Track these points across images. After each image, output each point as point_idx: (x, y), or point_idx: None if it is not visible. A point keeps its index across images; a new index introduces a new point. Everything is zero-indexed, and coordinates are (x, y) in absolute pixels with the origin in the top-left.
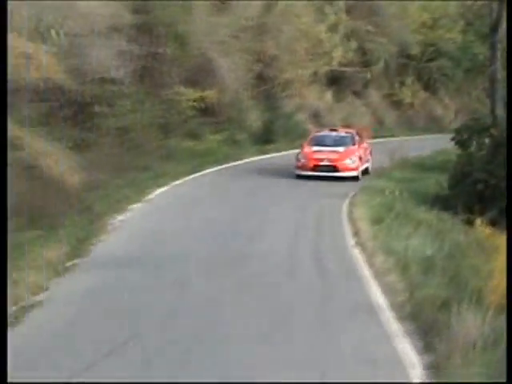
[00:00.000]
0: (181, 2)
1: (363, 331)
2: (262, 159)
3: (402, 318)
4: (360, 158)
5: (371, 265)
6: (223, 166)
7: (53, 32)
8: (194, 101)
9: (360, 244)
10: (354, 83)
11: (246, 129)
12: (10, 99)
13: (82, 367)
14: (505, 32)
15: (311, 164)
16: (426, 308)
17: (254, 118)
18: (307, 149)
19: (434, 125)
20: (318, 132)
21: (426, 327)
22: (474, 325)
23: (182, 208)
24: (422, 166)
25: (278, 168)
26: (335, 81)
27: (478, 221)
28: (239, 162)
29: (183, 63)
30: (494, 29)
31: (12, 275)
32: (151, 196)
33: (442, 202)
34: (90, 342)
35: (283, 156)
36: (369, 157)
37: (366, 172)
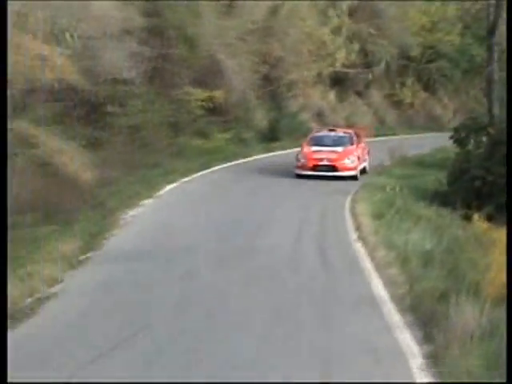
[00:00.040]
0: (190, 6)
1: (365, 322)
2: (267, 157)
3: (402, 309)
4: (358, 158)
5: (373, 258)
6: (231, 164)
7: (67, 34)
8: (203, 101)
9: (362, 238)
10: (356, 84)
11: (253, 127)
12: (26, 99)
13: (94, 356)
14: (502, 34)
15: (311, 164)
16: (425, 300)
17: (260, 117)
18: (306, 149)
19: (433, 124)
20: (316, 132)
21: (426, 318)
22: (471, 316)
23: (191, 204)
24: (422, 163)
25: (282, 165)
26: (338, 81)
27: (476, 216)
28: (246, 160)
29: (192, 64)
30: (491, 31)
31: (28, 268)
32: (161, 192)
33: (440, 198)
34: (101, 332)
35: (288, 154)
36: (366, 156)
37: (363, 171)
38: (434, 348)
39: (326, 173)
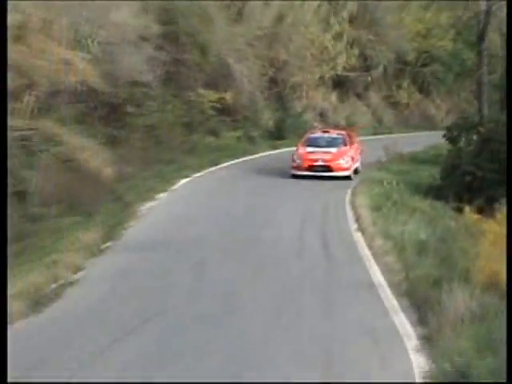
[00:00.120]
0: (202, 15)
1: (365, 306)
2: (274, 153)
3: (398, 294)
4: (352, 158)
5: (371, 247)
6: (239, 160)
7: (89, 41)
8: (214, 102)
9: (361, 229)
10: (356, 86)
11: (260, 126)
12: (50, 101)
13: (111, 340)
14: (491, 40)
15: (306, 164)
16: (420, 286)
17: (267, 117)
18: (302, 150)
19: (427, 123)
20: (311, 134)
21: (420, 303)
22: (462, 301)
23: (203, 197)
24: (417, 159)
25: (287, 160)
26: (339, 84)
27: (467, 208)
28: (254, 156)
29: (204, 68)
30: (481, 37)
31: (52, 256)
32: (175, 187)
33: (434, 192)
34: (119, 317)
35: (293, 151)
36: (358, 157)
37: (355, 172)
38: (428, 330)
39: (321, 173)
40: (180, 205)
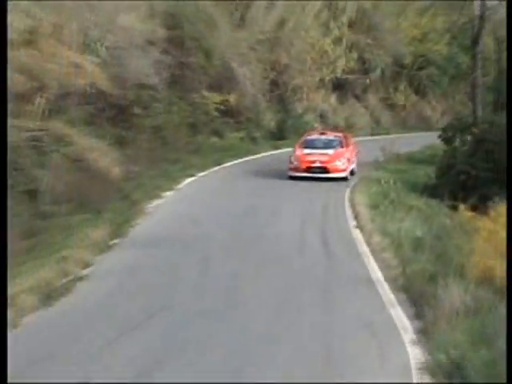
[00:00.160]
0: (206, 20)
1: (363, 301)
2: (275, 153)
3: (395, 289)
4: (348, 160)
5: (369, 244)
6: (242, 160)
7: (97, 45)
8: (218, 103)
9: (360, 226)
10: (354, 88)
11: (262, 127)
12: (60, 103)
13: (119, 334)
14: (485, 44)
15: (304, 166)
16: (416, 281)
17: (269, 118)
18: (299, 151)
19: (423, 124)
20: (308, 136)
21: (417, 297)
22: (457, 295)
23: (207, 196)
24: (413, 159)
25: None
26: (339, 86)
27: (461, 206)
28: (256, 156)
29: (208, 71)
30: (475, 41)
31: (62, 252)
32: (180, 185)
33: (430, 191)
34: (126, 311)
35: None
36: (354, 158)
37: (351, 173)
38: (424, 323)
39: (318, 174)
40: (185, 203)
